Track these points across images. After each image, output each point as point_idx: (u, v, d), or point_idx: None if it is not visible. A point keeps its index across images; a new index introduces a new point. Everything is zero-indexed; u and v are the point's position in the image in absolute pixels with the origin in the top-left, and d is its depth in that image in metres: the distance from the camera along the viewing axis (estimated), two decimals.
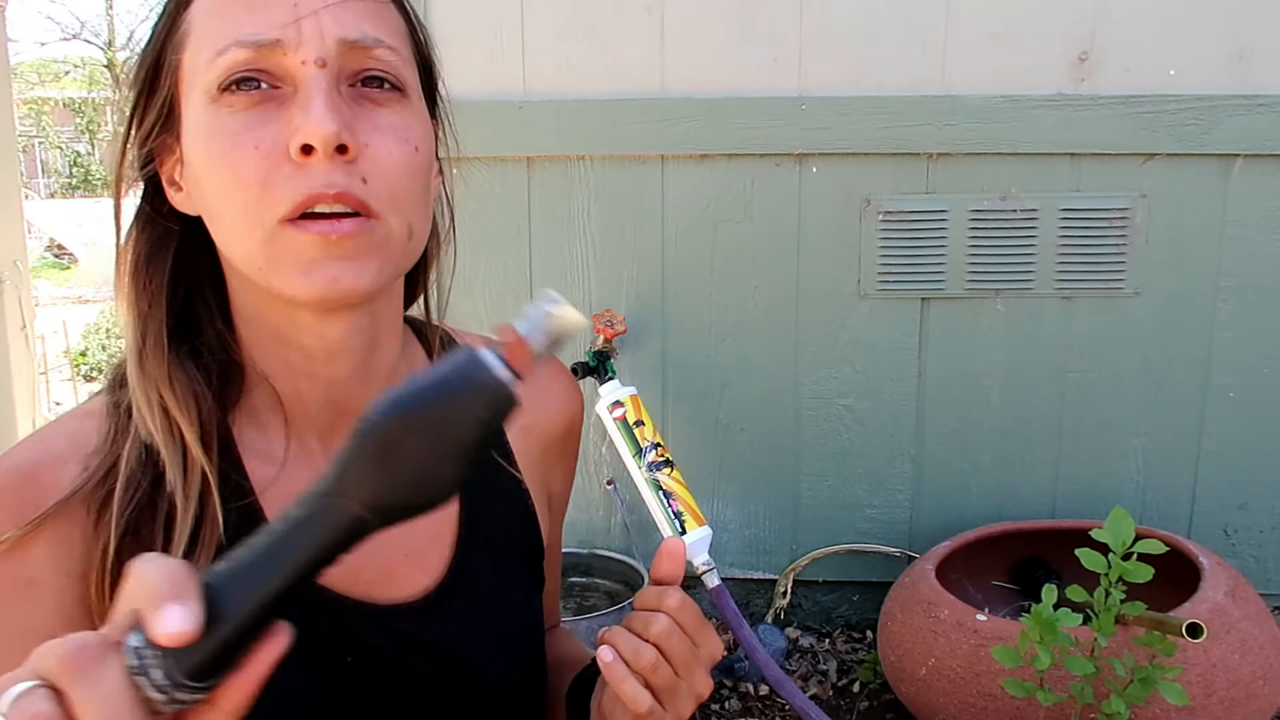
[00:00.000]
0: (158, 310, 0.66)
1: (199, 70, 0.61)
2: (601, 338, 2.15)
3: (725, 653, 2.30)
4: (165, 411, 0.63)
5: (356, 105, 0.61)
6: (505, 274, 2.29)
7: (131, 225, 0.68)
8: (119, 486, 0.61)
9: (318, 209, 0.59)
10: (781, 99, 2.17)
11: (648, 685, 0.64)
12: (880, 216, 2.20)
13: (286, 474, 0.68)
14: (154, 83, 0.65)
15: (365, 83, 0.62)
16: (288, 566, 0.45)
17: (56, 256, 12.09)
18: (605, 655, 0.64)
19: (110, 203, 0.67)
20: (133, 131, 0.66)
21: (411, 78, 0.66)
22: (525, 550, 0.79)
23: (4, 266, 3.09)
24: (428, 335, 0.81)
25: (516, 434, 0.80)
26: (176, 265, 0.68)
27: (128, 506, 0.61)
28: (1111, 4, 2.11)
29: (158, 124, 0.65)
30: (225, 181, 0.60)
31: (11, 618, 0.60)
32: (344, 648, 0.67)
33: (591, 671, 0.77)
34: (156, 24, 0.65)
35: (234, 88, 0.60)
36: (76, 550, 0.61)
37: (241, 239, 0.61)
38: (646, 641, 0.64)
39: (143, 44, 0.65)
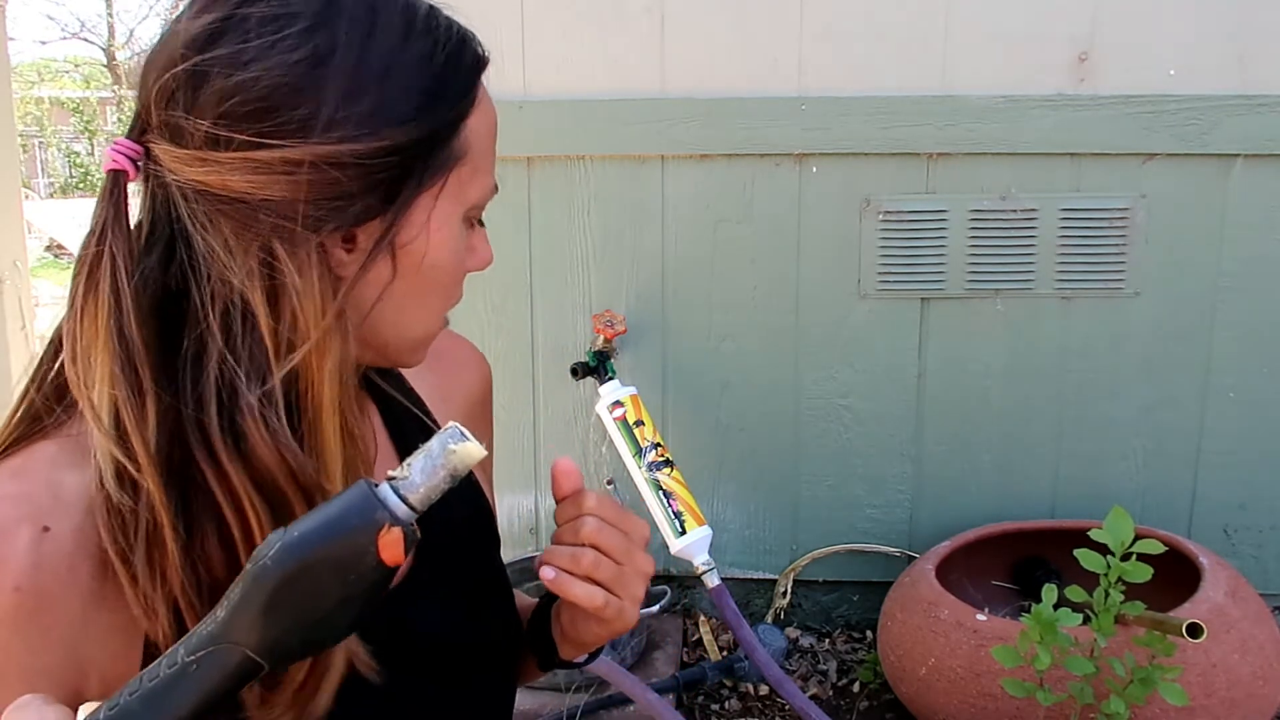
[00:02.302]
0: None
1: (468, 189, 0.65)
2: (601, 338, 2.15)
3: (725, 652, 2.30)
4: None
5: None
6: (505, 274, 2.29)
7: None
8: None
9: None
10: (781, 99, 2.17)
11: (595, 583, 0.67)
12: (880, 216, 2.20)
13: None
14: (405, 174, 0.61)
15: None
16: (174, 716, 0.44)
17: (56, 256, 12.09)
18: (547, 574, 0.67)
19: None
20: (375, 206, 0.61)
21: None
22: (477, 517, 0.82)
23: (4, 266, 3.09)
24: None
25: (440, 404, 0.81)
26: None
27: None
28: (1111, 4, 2.11)
29: (373, 209, 0.61)
30: (451, 287, 0.68)
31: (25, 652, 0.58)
32: None
33: (544, 606, 0.80)
34: (428, 114, 0.61)
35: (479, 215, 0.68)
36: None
37: (426, 325, 0.69)
38: (580, 545, 0.67)
39: (412, 127, 0.60)
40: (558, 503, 0.70)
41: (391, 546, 0.44)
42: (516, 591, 0.91)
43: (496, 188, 0.68)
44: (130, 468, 0.56)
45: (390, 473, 0.47)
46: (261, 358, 0.58)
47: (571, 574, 0.67)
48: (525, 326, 2.31)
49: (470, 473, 0.79)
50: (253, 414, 0.57)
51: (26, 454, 0.60)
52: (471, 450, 0.47)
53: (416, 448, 0.74)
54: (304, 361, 0.58)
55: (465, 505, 0.81)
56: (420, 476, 0.46)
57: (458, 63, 0.64)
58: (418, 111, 0.60)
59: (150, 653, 0.59)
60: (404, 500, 0.46)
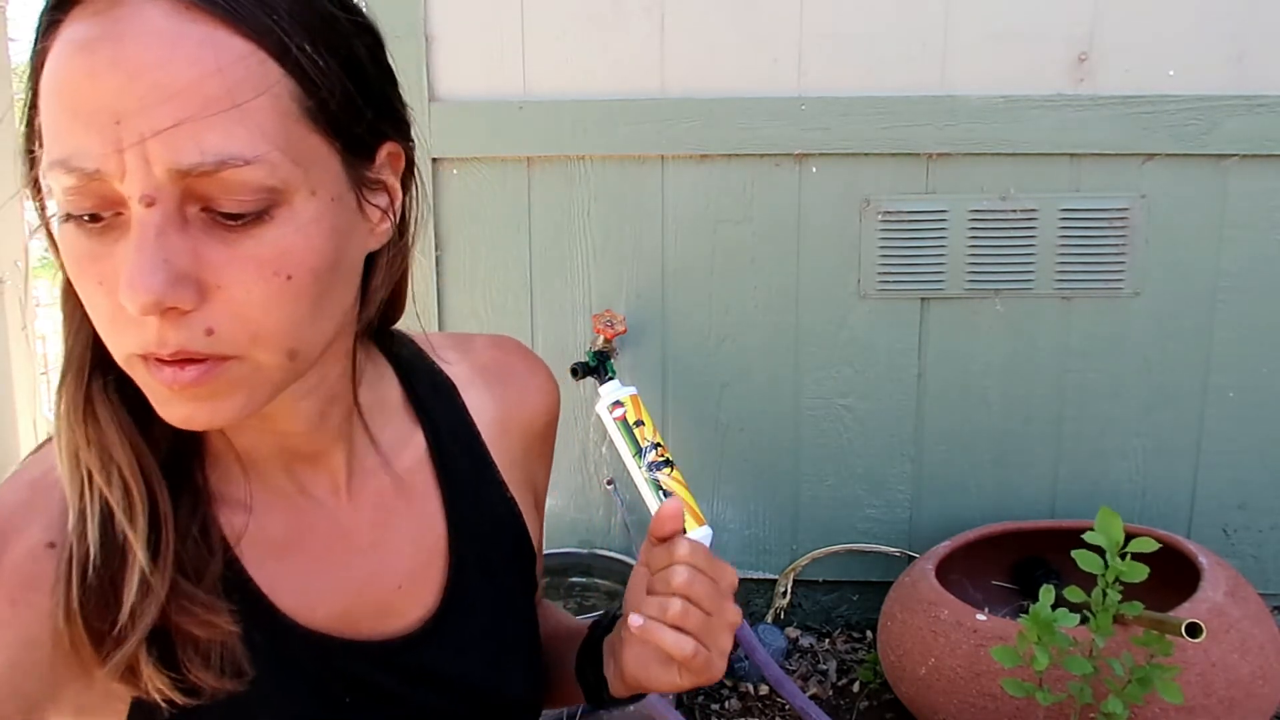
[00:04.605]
0: (84, 332, 0.57)
1: (41, 160, 0.51)
2: (601, 338, 2.15)
3: None
4: (79, 455, 0.56)
5: (208, 234, 0.50)
6: (505, 274, 2.29)
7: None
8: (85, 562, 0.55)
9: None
10: (781, 99, 2.17)
11: (684, 632, 0.66)
12: (880, 216, 2.20)
13: (256, 520, 0.64)
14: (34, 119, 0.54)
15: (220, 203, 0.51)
16: None
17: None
18: (635, 621, 0.66)
19: None
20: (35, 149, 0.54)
21: (289, 174, 0.52)
22: (516, 560, 0.77)
23: (4, 266, 3.09)
24: (399, 351, 0.75)
25: (495, 435, 0.76)
26: None
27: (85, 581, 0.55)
28: (1111, 4, 2.11)
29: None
30: (85, 300, 0.53)
31: None
32: (340, 689, 0.65)
33: (593, 641, 0.78)
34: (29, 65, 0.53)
35: (71, 207, 0.50)
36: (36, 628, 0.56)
37: (110, 342, 0.54)
38: (671, 595, 0.67)
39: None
40: (655, 544, 0.69)
41: None
42: (558, 609, 0.88)
43: (77, 171, 0.49)
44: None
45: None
46: None
47: (661, 622, 0.66)
48: (525, 326, 2.31)
49: (518, 513, 0.77)
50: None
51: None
52: None
53: (458, 474, 0.73)
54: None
55: (508, 550, 0.77)
56: None
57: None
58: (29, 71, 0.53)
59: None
60: None
